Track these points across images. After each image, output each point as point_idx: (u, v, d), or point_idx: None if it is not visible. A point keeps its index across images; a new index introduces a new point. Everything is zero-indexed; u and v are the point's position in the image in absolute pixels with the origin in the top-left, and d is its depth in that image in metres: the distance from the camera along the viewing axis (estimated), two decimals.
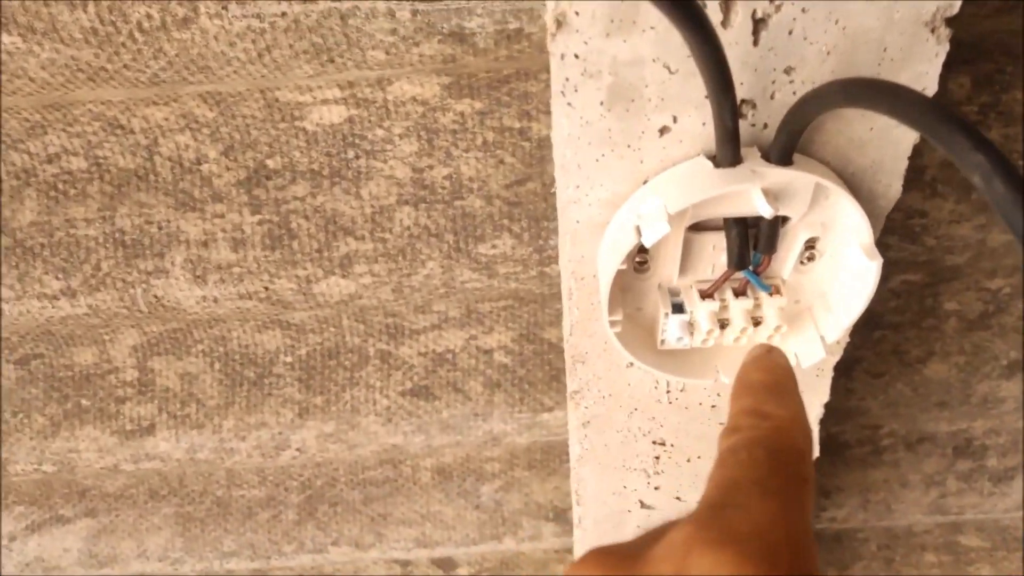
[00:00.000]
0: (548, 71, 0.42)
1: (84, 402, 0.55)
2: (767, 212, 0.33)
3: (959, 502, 0.66)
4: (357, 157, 0.45)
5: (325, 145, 0.45)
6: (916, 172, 0.46)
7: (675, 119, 0.34)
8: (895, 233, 0.50)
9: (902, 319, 0.56)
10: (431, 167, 0.45)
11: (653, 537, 0.23)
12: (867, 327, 0.56)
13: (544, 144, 0.45)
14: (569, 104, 0.34)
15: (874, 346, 0.57)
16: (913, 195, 0.48)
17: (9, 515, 0.62)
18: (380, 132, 0.44)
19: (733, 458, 0.24)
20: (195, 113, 0.44)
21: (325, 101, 0.43)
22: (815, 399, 0.47)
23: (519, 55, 0.41)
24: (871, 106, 0.25)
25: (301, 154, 0.45)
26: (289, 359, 0.54)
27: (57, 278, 0.48)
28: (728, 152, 0.33)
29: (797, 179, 0.34)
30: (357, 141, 0.44)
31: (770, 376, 0.29)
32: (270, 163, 0.45)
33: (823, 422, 0.49)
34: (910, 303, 0.55)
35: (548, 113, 0.44)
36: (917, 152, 0.37)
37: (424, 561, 0.70)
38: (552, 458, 0.61)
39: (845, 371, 0.57)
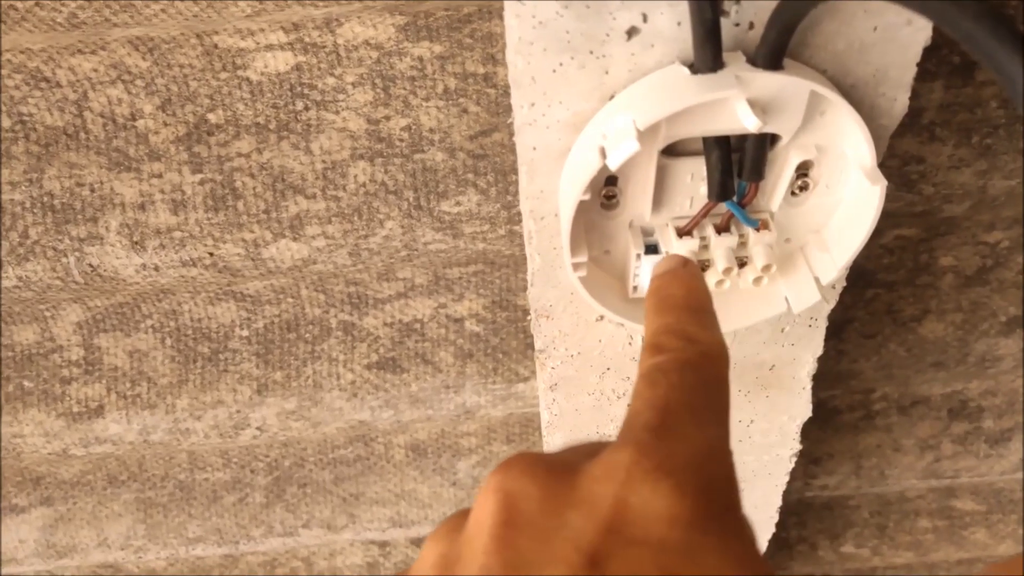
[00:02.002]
0: None
1: (27, 384, 0.52)
2: (753, 125, 0.29)
3: (954, 466, 0.64)
4: (306, 108, 0.41)
5: (271, 96, 0.41)
6: (913, 115, 0.43)
7: (645, 17, 0.30)
8: (891, 181, 0.47)
9: (896, 277, 0.53)
10: (388, 118, 0.42)
11: (585, 452, 0.23)
12: (859, 285, 0.53)
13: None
14: None
15: (866, 305, 0.54)
16: (909, 140, 0.45)
17: None
18: (331, 80, 0.41)
19: (664, 379, 0.24)
20: (126, 63, 0.40)
21: (269, 47, 0.40)
22: (807, 352, 0.43)
23: None
24: None
25: (245, 106, 0.41)
26: (245, 333, 0.51)
27: None
28: (707, 55, 0.29)
29: (789, 86, 0.30)
30: (306, 91, 0.41)
31: (690, 293, 0.28)
32: (211, 117, 0.42)
33: (812, 386, 0.46)
34: (904, 259, 0.52)
35: None
36: (913, 93, 0.33)
37: (402, 541, 0.68)
38: (531, 431, 0.58)
39: (836, 332, 0.55)
